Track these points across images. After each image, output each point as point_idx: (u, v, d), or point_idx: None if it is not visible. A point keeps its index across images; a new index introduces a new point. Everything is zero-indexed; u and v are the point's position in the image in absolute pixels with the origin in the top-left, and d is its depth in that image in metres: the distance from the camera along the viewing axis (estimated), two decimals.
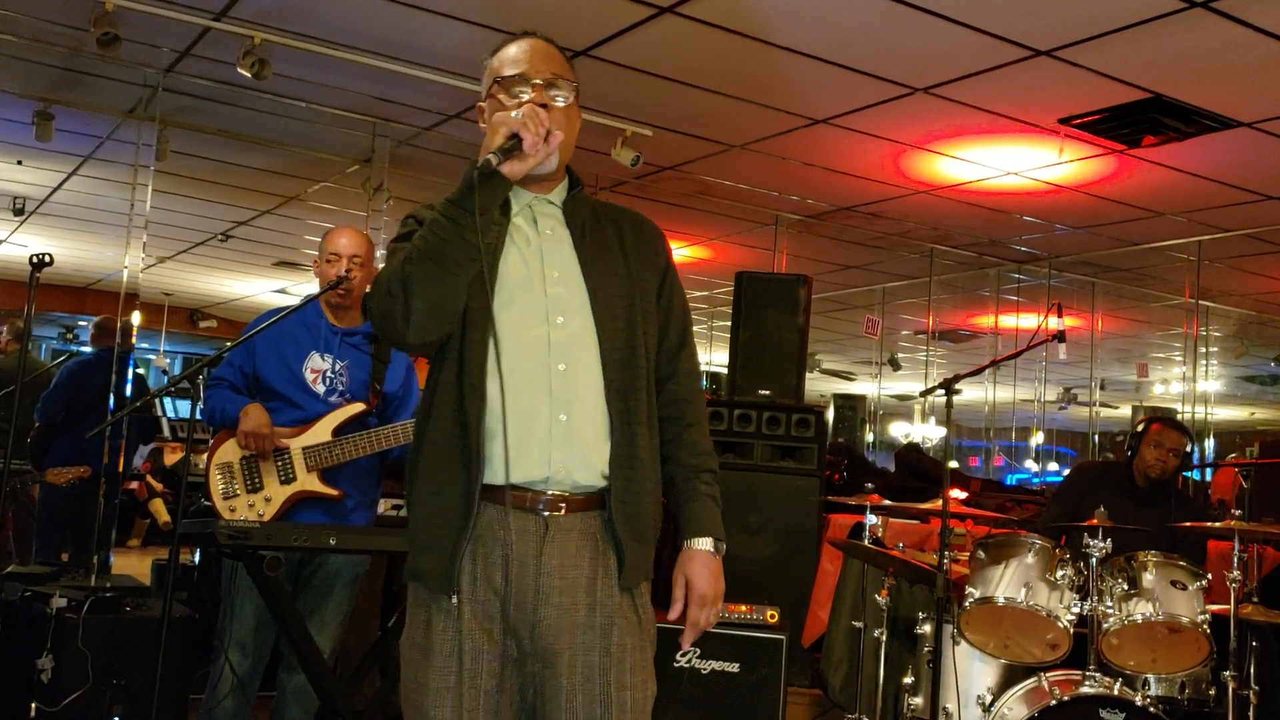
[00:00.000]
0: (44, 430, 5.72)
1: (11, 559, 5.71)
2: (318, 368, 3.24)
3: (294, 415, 3.19)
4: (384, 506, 4.11)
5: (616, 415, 1.87)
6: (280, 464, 3.14)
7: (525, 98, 1.88)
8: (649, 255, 2.01)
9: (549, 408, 1.84)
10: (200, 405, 3.27)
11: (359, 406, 3.23)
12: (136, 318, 6.68)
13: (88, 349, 6.65)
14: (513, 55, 1.94)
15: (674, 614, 1.93)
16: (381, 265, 3.34)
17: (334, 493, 3.17)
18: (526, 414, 1.83)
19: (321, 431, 3.18)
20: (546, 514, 1.84)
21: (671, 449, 1.99)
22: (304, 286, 11.34)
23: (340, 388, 3.25)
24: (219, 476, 3.16)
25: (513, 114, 1.81)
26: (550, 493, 1.84)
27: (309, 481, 3.15)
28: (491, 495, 1.83)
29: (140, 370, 6.70)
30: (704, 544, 1.95)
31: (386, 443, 3.18)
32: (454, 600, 1.82)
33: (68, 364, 6.08)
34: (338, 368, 3.26)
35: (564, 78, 1.93)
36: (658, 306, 1.99)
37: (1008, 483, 10.50)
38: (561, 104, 1.91)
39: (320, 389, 3.23)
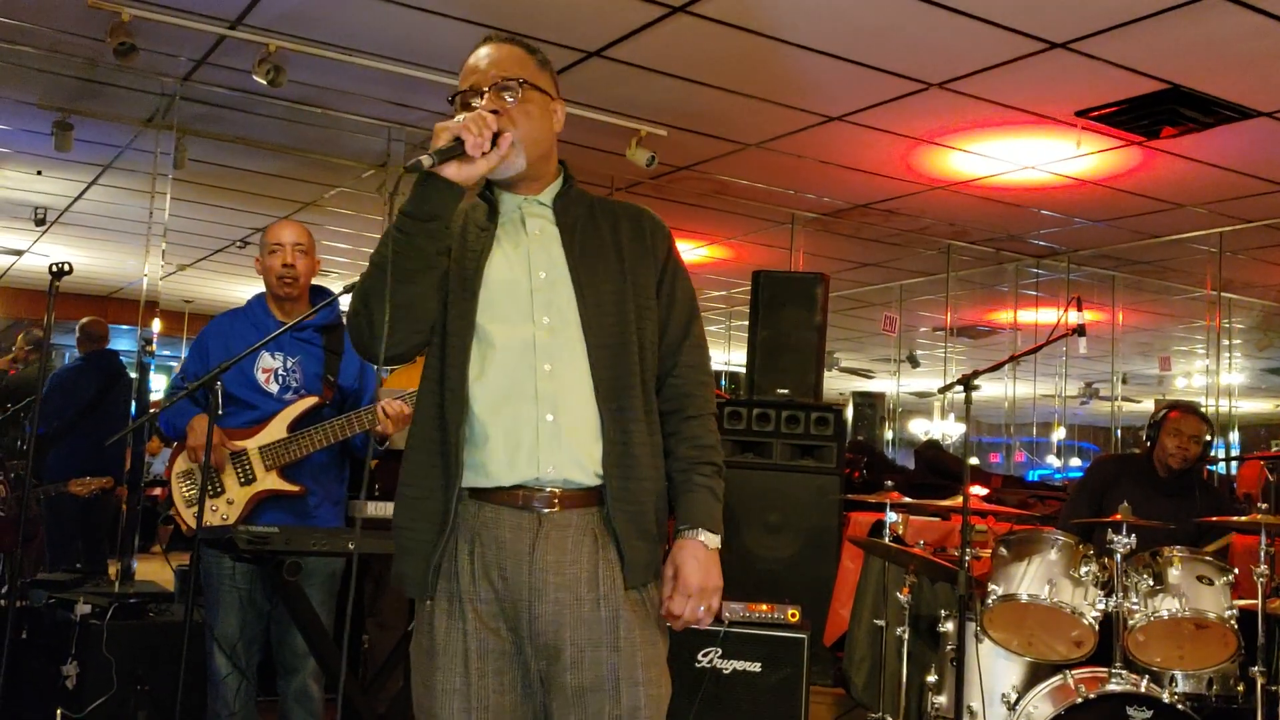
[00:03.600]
0: (39, 441, 5.74)
1: (39, 568, 5.75)
2: (269, 367, 3.23)
3: (250, 416, 3.18)
4: None
5: (608, 414, 1.85)
6: (239, 466, 3.14)
7: (477, 105, 1.87)
8: (646, 249, 1.97)
9: (535, 410, 1.83)
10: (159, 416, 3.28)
11: (312, 400, 3.21)
12: (157, 325, 6.73)
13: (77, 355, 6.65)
14: (466, 68, 1.93)
15: (665, 607, 1.88)
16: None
17: (295, 489, 3.16)
18: (512, 417, 1.83)
19: (277, 429, 3.16)
20: (541, 510, 1.82)
21: (671, 443, 1.95)
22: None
23: (294, 384, 3.24)
24: (181, 485, 3.19)
25: (457, 118, 1.79)
26: (544, 490, 1.83)
27: (269, 480, 3.14)
28: (486, 495, 1.84)
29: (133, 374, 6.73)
30: (695, 534, 1.89)
31: (343, 432, 3.14)
32: (429, 605, 1.83)
33: (57, 372, 6.09)
34: (289, 364, 3.25)
35: (512, 77, 1.89)
36: (658, 301, 1.96)
37: (1030, 479, 10.44)
38: (510, 102, 1.87)
39: (274, 388, 3.22)
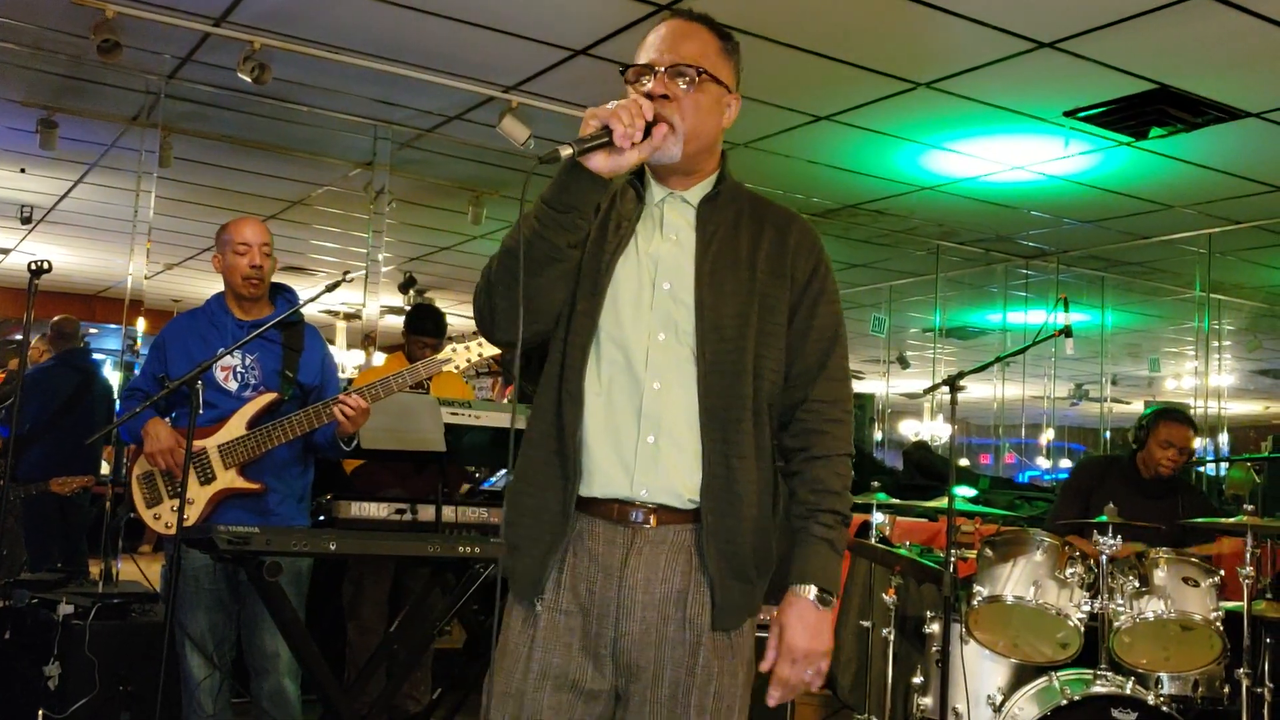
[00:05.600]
0: (14, 441, 5.70)
1: (21, 567, 5.71)
2: (227, 365, 3.19)
3: (210, 415, 3.14)
4: (386, 511, 4.10)
5: (711, 445, 1.73)
6: (199, 465, 3.11)
7: (647, 88, 1.74)
8: (785, 268, 1.80)
9: (636, 428, 1.73)
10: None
11: (270, 396, 3.17)
12: (142, 324, 6.69)
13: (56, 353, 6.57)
14: (645, 43, 1.80)
15: (765, 665, 1.76)
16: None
17: (255, 487, 3.13)
18: (616, 431, 1.74)
19: (235, 426, 3.13)
20: (639, 524, 1.74)
21: (792, 483, 1.81)
22: (308, 292, 11.32)
23: (253, 381, 3.21)
24: (141, 487, 3.16)
25: (609, 105, 1.65)
26: (641, 504, 1.74)
27: (229, 479, 3.11)
28: (583, 504, 1.76)
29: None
30: (805, 591, 1.74)
31: (302, 427, 3.09)
32: (538, 605, 1.75)
33: (28, 373, 6.03)
34: (248, 362, 3.22)
35: (690, 64, 1.75)
36: (791, 325, 1.81)
37: (1019, 480, 10.45)
38: (684, 90, 1.75)
39: (233, 386, 3.19)
